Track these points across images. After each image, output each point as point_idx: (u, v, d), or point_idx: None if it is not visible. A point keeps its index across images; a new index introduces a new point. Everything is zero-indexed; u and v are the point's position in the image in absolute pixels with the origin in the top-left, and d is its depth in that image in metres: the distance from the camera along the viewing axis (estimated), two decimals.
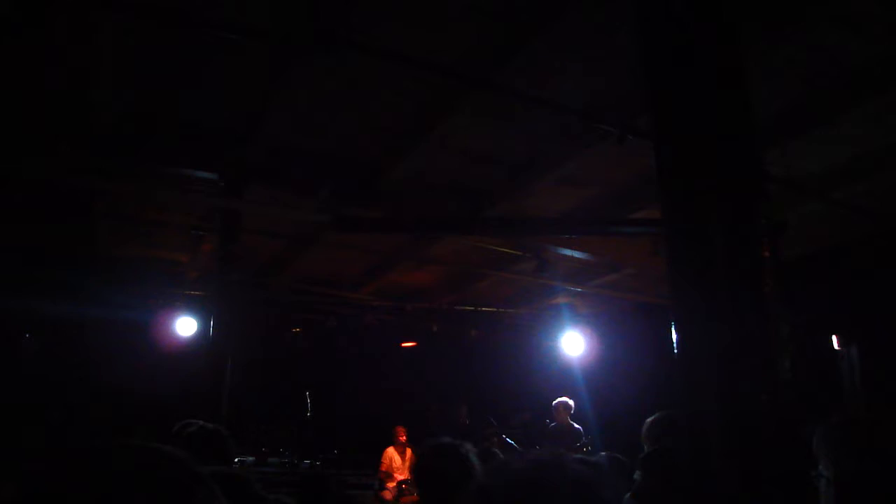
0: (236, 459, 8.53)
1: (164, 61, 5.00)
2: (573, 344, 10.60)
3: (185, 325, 8.81)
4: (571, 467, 1.15)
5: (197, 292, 9.42)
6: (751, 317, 2.56)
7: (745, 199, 2.74)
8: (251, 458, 9.68)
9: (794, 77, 4.86)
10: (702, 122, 2.82)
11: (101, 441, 0.94)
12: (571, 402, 9.13)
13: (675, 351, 2.74)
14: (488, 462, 1.78)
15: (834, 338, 8.11)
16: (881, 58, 4.65)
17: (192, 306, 8.97)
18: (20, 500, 0.89)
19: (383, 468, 9.21)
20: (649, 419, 3.90)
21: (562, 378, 10.64)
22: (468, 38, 4.61)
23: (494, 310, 11.37)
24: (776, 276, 2.62)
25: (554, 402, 9.18)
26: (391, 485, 9.02)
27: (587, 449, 8.54)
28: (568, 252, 8.08)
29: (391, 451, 9.34)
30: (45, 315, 9.02)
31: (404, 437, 9.43)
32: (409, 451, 9.39)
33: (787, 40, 4.45)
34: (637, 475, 3.05)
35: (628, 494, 2.98)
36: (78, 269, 8.86)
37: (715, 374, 2.57)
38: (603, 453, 4.69)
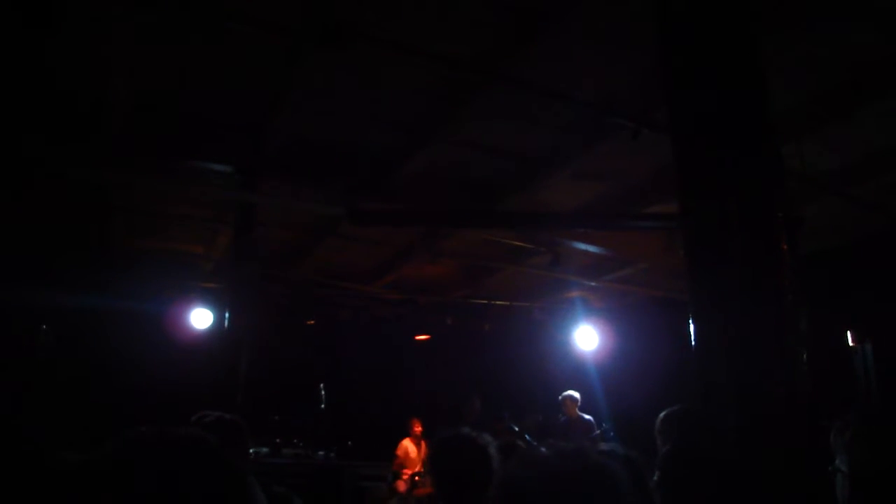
0: (251, 450, 8.58)
1: (178, 54, 5.03)
2: (587, 338, 10.58)
3: (201, 317, 8.85)
4: (595, 458, 1.17)
5: (212, 284, 9.47)
6: (768, 311, 2.56)
7: (763, 193, 2.74)
8: (266, 449, 9.72)
9: (811, 72, 4.83)
10: (720, 116, 2.82)
11: (135, 428, 0.96)
12: (577, 395, 9.13)
13: (692, 344, 2.74)
14: (511, 455, 1.79)
15: (849, 334, 8.07)
16: None
17: (208, 298, 9.01)
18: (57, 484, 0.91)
19: (398, 460, 9.23)
20: (663, 413, 3.89)
21: (575, 372, 10.62)
22: (483, 30, 4.61)
23: (508, 303, 11.36)
24: (794, 271, 2.62)
25: (560, 397, 9.19)
26: (405, 477, 9.04)
27: (611, 434, 8.55)
28: (582, 246, 8.07)
29: (406, 443, 9.35)
30: (62, 307, 9.10)
31: (419, 429, 9.43)
32: (423, 444, 9.40)
33: (805, 36, 4.43)
34: (657, 476, 3.03)
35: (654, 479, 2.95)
36: (94, 261, 8.94)
37: (732, 368, 2.57)
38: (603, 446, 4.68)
